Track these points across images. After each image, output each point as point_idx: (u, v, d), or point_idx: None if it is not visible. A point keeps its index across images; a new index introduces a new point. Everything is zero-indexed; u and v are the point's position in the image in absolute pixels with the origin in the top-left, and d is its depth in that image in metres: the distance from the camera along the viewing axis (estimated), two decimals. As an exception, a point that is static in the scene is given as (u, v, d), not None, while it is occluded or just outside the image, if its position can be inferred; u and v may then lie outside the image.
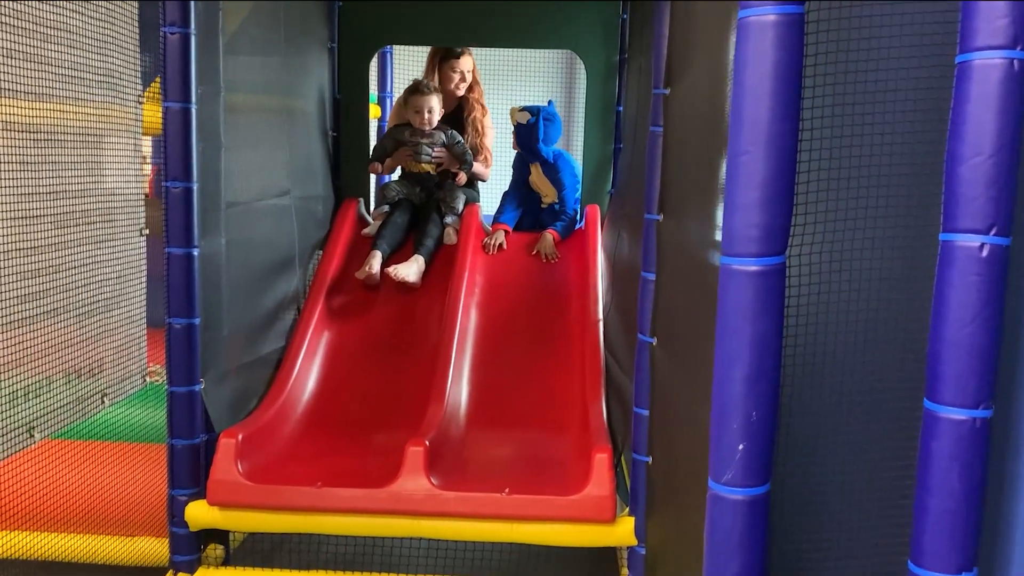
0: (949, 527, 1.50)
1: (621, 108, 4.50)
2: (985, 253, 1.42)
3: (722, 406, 1.54)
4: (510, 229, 4.47)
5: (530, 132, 4.40)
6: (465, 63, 4.63)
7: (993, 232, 1.42)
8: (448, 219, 4.42)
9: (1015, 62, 1.39)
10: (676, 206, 2.47)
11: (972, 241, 1.42)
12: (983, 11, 1.40)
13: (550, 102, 4.46)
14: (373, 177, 4.72)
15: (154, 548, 3.32)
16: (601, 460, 2.98)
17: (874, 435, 1.58)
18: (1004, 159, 1.41)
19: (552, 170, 4.50)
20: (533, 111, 4.40)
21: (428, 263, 4.18)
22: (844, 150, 1.52)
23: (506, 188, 4.68)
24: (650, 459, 2.82)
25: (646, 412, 2.84)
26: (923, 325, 1.49)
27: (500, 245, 4.36)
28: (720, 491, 1.57)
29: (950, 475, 1.48)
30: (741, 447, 1.52)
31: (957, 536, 1.50)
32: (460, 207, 4.46)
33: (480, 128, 4.66)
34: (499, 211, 4.58)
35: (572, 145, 5.96)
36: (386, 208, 4.44)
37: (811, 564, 1.64)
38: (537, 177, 4.57)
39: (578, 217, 4.55)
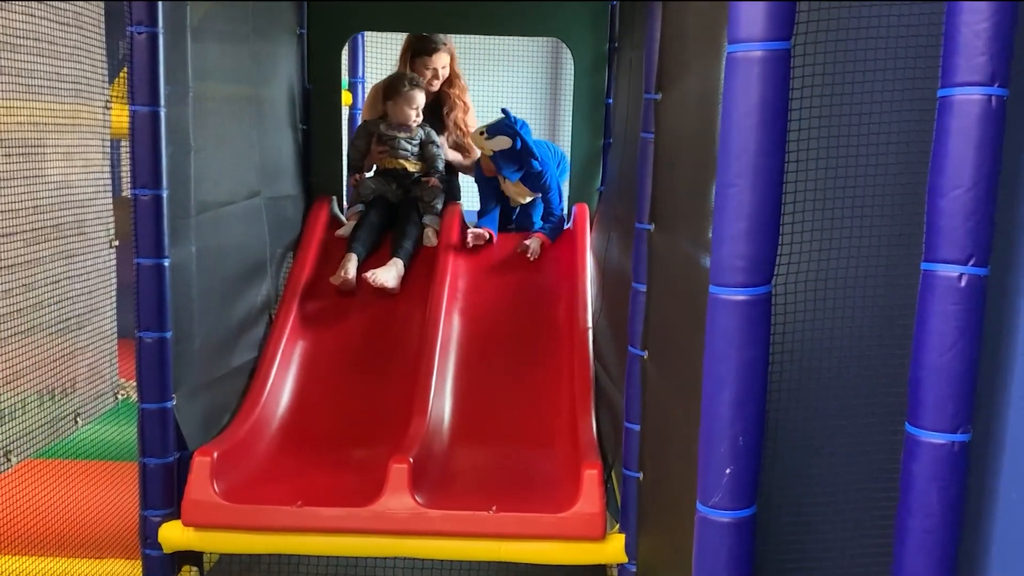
0: (928, 546, 1.70)
1: (611, 100, 4.64)
2: (964, 283, 1.62)
3: (710, 430, 1.73)
4: (495, 235, 4.57)
5: (520, 155, 4.40)
6: (439, 59, 4.72)
7: (971, 263, 1.61)
8: (427, 219, 4.55)
9: (992, 99, 1.58)
10: (668, 218, 2.65)
11: (951, 271, 1.62)
12: (963, 48, 1.60)
13: (503, 110, 4.43)
14: (346, 174, 4.84)
15: (126, 571, 3.47)
16: (591, 476, 3.16)
17: (858, 458, 1.78)
18: (982, 192, 1.60)
19: (535, 179, 4.52)
20: (504, 131, 4.36)
21: (407, 266, 4.33)
22: (830, 181, 1.71)
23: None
24: (641, 475, 3.01)
25: (637, 427, 3.03)
26: (906, 352, 1.68)
27: (487, 240, 4.47)
28: (708, 513, 1.76)
29: (929, 496, 1.68)
30: (728, 471, 1.71)
31: (936, 554, 1.70)
32: (439, 206, 4.60)
33: (464, 127, 4.79)
34: (481, 207, 4.67)
35: (559, 139, 6.10)
36: (360, 207, 4.56)
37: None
38: (507, 185, 4.61)
39: (566, 215, 4.68)
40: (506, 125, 4.38)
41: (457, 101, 4.83)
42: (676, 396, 2.44)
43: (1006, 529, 1.70)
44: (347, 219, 4.63)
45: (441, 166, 4.61)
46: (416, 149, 4.57)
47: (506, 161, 4.42)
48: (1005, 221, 1.66)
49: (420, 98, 4.51)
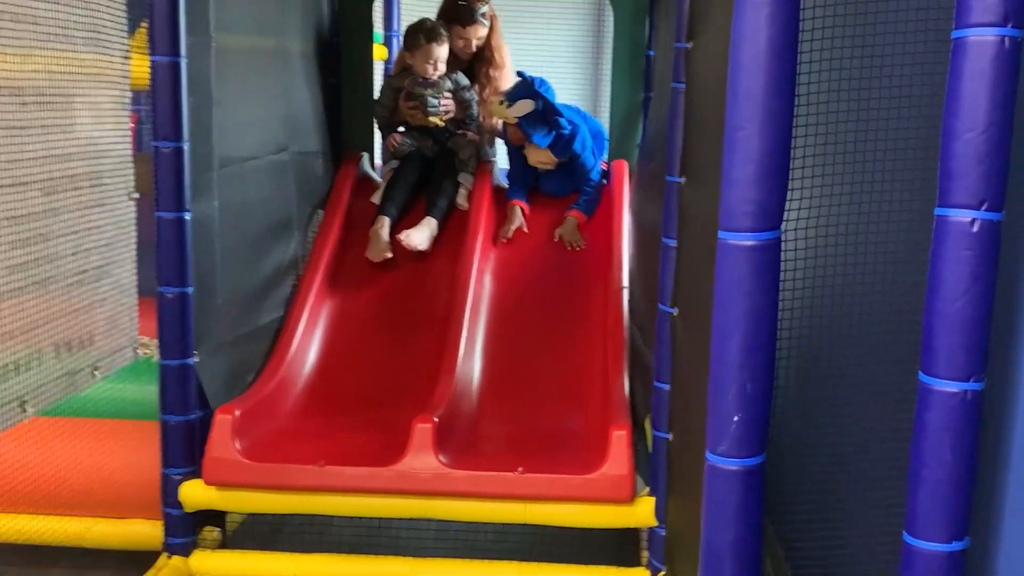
0: (942, 497, 1.77)
1: (652, 53, 4.69)
2: (976, 228, 1.67)
3: (718, 378, 1.82)
4: (526, 207, 4.56)
5: (545, 116, 4.39)
6: (474, 32, 4.65)
7: (984, 207, 1.67)
8: (461, 177, 4.60)
9: (1006, 39, 1.64)
10: (696, 169, 2.72)
11: (964, 216, 1.68)
12: (976, -13, 1.65)
13: (519, 73, 4.45)
14: (376, 132, 4.89)
15: (146, 531, 3.62)
16: (619, 437, 3.26)
17: (870, 407, 1.85)
18: (995, 135, 1.66)
19: (564, 142, 4.47)
20: (524, 94, 4.35)
21: (441, 225, 4.42)
22: (840, 125, 1.78)
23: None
24: (671, 436, 3.10)
25: (667, 387, 3.12)
26: (919, 299, 1.75)
27: (519, 228, 4.47)
28: (716, 462, 1.85)
29: (943, 446, 1.75)
30: (736, 418, 1.80)
31: (949, 506, 1.77)
32: (474, 165, 4.64)
33: (496, 87, 4.72)
34: (510, 179, 4.65)
35: (600, 94, 6.14)
36: (395, 164, 4.62)
37: (809, 535, 1.92)
38: (536, 153, 4.55)
39: (601, 183, 4.65)
40: (524, 87, 4.38)
41: (484, 80, 4.75)
42: (702, 353, 2.52)
43: (1020, 479, 1.76)
44: (382, 176, 4.69)
45: (476, 110, 4.60)
46: (446, 102, 4.56)
47: (532, 126, 4.40)
48: (1021, 166, 1.72)
49: (438, 51, 4.47)
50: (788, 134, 1.72)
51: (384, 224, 4.36)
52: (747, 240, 1.75)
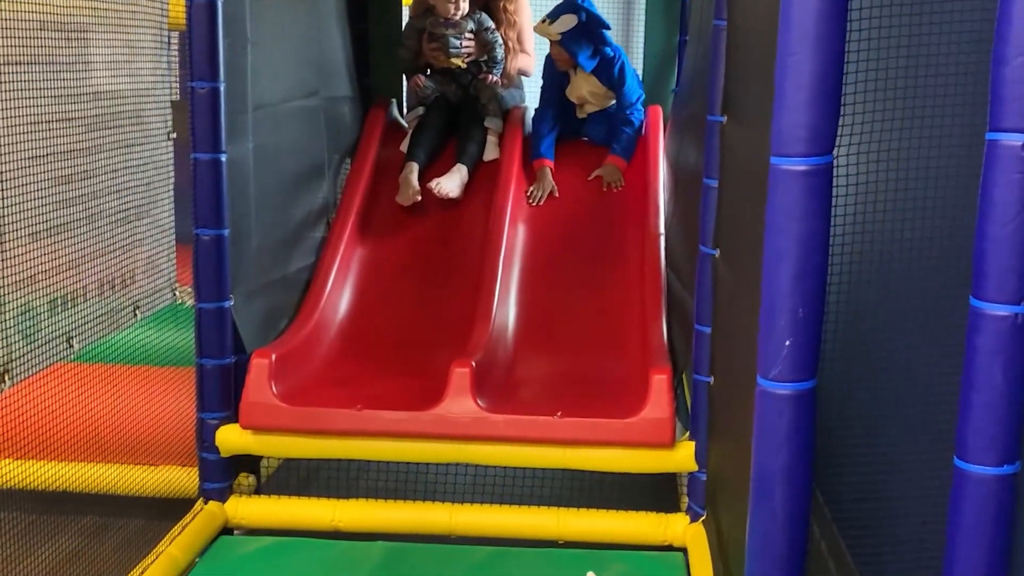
0: (992, 421, 1.86)
1: (689, -7, 4.76)
2: (1028, 151, 1.77)
3: (770, 303, 1.92)
4: (552, 165, 4.59)
5: (590, 31, 4.45)
6: None
7: (1035, 131, 1.77)
8: (488, 121, 4.66)
9: (1058, -37, 1.73)
10: (740, 107, 2.82)
11: (1015, 140, 1.77)
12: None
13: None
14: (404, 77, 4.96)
15: (182, 477, 3.77)
16: (660, 381, 3.37)
17: (922, 332, 1.95)
18: (1046, 59, 1.75)
19: (608, 66, 4.54)
20: (566, 8, 4.42)
21: (472, 172, 4.52)
22: (892, 50, 1.87)
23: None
24: (712, 379, 3.21)
25: (708, 330, 3.22)
26: (971, 224, 1.85)
27: (551, 194, 4.51)
28: (768, 386, 1.96)
29: (993, 370, 1.85)
30: (788, 343, 1.90)
31: (1000, 430, 1.87)
32: (496, 107, 4.68)
33: (512, 20, 4.80)
34: (535, 138, 4.66)
35: (631, 40, 6.18)
36: (421, 110, 4.72)
37: (859, 458, 2.03)
38: (580, 84, 4.62)
39: (641, 126, 4.70)
40: (568, 3, 4.44)
41: (501, 15, 4.79)
42: (746, 294, 2.62)
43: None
44: (408, 123, 4.79)
45: (500, 53, 4.65)
46: (468, 43, 4.60)
47: (577, 43, 4.45)
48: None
49: None
50: (840, 59, 1.82)
51: (413, 169, 4.45)
52: (800, 165, 1.85)
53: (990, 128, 1.81)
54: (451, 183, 4.42)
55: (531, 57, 4.96)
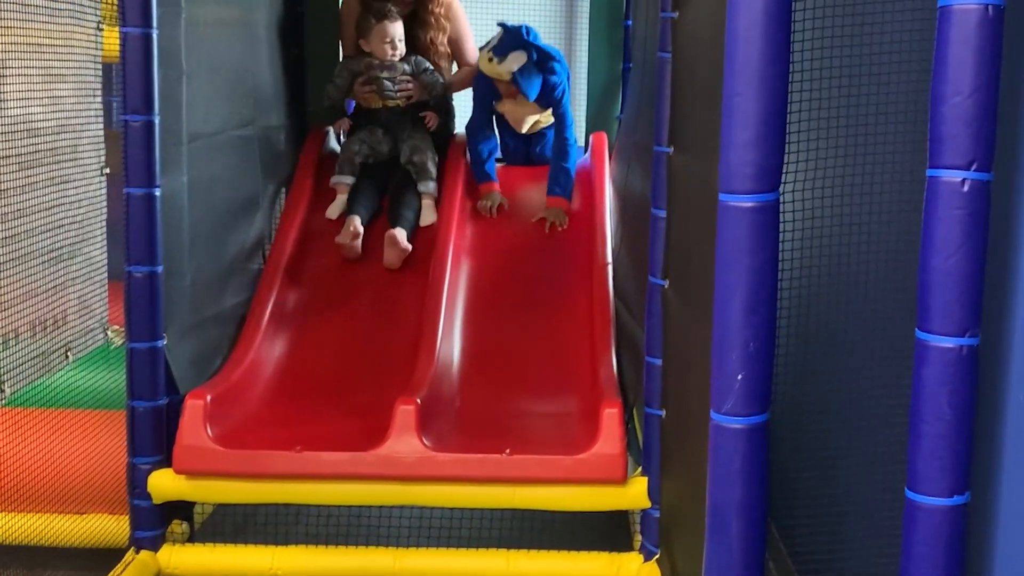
0: (941, 452, 2.01)
1: (630, 22, 4.92)
2: (967, 188, 1.93)
3: (721, 337, 2.06)
4: (498, 187, 4.77)
5: (540, 64, 4.53)
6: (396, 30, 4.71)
7: (974, 168, 1.92)
8: (421, 186, 4.67)
9: (989, 7, 1.89)
10: (686, 139, 2.97)
11: (954, 176, 1.93)
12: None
13: (500, 24, 4.57)
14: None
15: (111, 526, 3.78)
16: (611, 415, 3.48)
17: (870, 365, 2.10)
18: (982, 99, 1.91)
19: (550, 92, 4.62)
20: (515, 46, 4.46)
21: (410, 239, 4.50)
22: (834, 90, 2.03)
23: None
24: (664, 413, 3.34)
25: (659, 361, 3.36)
26: (914, 258, 2.00)
27: (501, 206, 4.72)
28: (721, 420, 2.10)
29: (940, 401, 1.99)
30: (740, 376, 2.05)
31: (949, 461, 2.01)
32: (434, 170, 4.71)
33: (443, 25, 4.87)
34: (475, 160, 4.78)
35: (577, 64, 6.33)
36: (349, 180, 4.70)
37: (813, 492, 2.16)
38: (512, 107, 4.75)
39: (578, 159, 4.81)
40: (514, 37, 4.49)
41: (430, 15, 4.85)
42: (697, 325, 2.76)
43: (1017, 432, 2.01)
44: (336, 187, 4.71)
45: (441, 89, 4.77)
46: (406, 85, 4.70)
47: (527, 80, 4.53)
48: (1011, 127, 1.97)
49: (394, 30, 4.64)
50: (784, 99, 1.97)
51: (355, 220, 4.49)
52: (747, 202, 2.00)
53: (930, 165, 1.97)
54: (402, 235, 4.46)
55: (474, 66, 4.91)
